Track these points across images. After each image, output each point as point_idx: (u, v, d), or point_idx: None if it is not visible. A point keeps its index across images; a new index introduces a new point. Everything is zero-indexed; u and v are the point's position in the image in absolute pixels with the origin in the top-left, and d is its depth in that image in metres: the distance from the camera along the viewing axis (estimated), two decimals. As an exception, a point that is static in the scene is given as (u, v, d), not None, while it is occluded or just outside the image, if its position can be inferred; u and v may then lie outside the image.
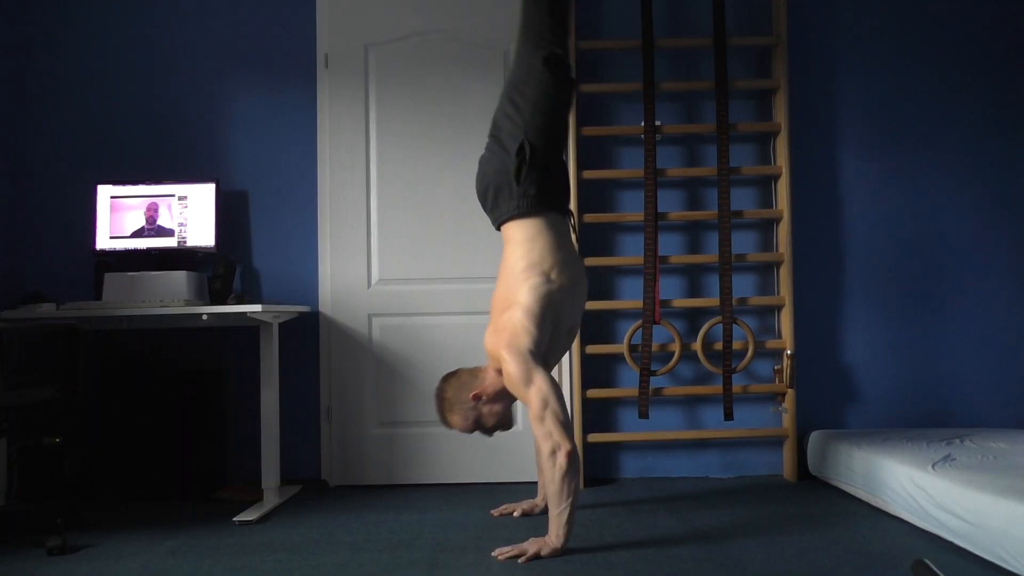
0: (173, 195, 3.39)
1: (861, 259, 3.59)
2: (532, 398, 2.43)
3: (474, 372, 2.69)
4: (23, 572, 2.40)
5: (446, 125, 3.56)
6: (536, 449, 2.60)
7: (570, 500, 2.39)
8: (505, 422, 2.70)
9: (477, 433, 2.73)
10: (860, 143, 3.61)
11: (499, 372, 2.60)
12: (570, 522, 2.42)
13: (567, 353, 3.47)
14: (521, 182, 2.56)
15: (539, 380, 2.44)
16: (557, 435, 2.38)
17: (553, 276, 2.55)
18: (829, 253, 3.59)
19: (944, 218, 3.61)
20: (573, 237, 2.76)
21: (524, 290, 2.53)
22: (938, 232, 3.60)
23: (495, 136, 2.69)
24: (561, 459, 2.36)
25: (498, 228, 2.70)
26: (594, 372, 3.50)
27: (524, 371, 2.44)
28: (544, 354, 2.53)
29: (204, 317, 3.03)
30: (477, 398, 2.63)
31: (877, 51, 3.63)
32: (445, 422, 2.70)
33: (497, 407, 2.65)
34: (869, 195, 3.60)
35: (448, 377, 2.71)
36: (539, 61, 2.61)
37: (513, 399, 2.68)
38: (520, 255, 2.58)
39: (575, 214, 2.93)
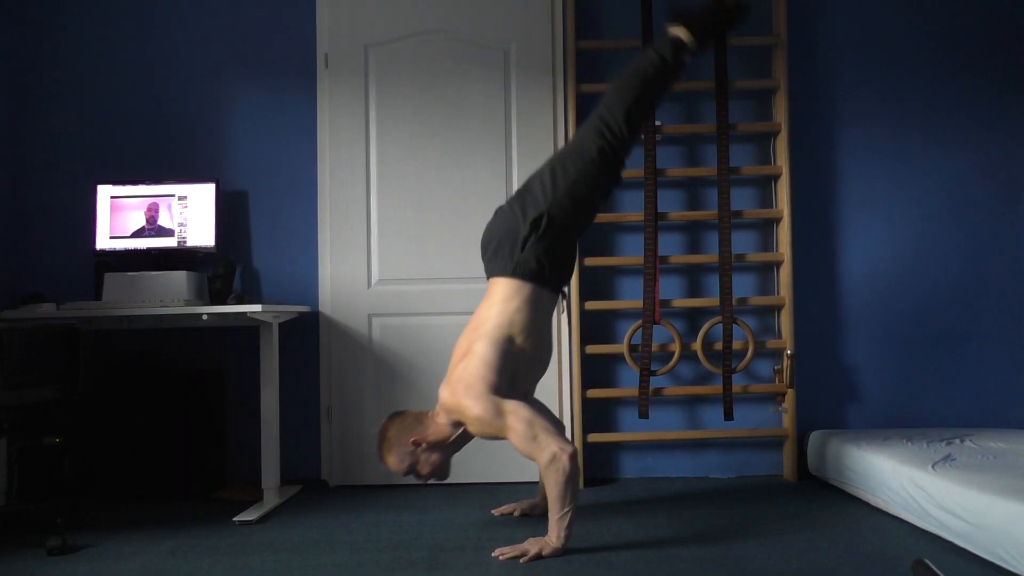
0: (173, 195, 3.39)
1: (861, 258, 3.58)
2: (513, 425, 2.42)
3: (420, 417, 2.66)
4: (23, 572, 2.40)
5: (446, 125, 3.56)
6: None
7: (572, 504, 2.40)
8: (440, 472, 2.68)
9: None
10: (860, 143, 3.61)
11: (452, 423, 2.59)
12: (571, 524, 2.42)
13: (567, 353, 3.48)
14: (524, 250, 2.55)
15: (511, 407, 2.44)
16: (555, 443, 2.38)
17: (518, 340, 2.54)
18: (829, 253, 3.59)
19: (944, 218, 3.61)
20: (565, 317, 2.76)
21: (486, 343, 2.52)
22: (938, 231, 3.60)
23: (521, 196, 2.65)
24: (564, 462, 2.36)
25: (488, 277, 2.68)
26: (594, 372, 3.50)
27: (491, 408, 2.44)
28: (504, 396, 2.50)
29: (204, 317, 3.03)
30: (416, 444, 2.61)
31: (877, 51, 3.63)
32: (381, 460, 2.67)
33: (435, 456, 2.63)
34: (869, 195, 3.60)
35: (394, 416, 2.68)
36: (595, 149, 2.58)
37: (454, 450, 2.68)
38: (495, 313, 2.56)
39: (568, 295, 2.89)
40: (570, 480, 2.37)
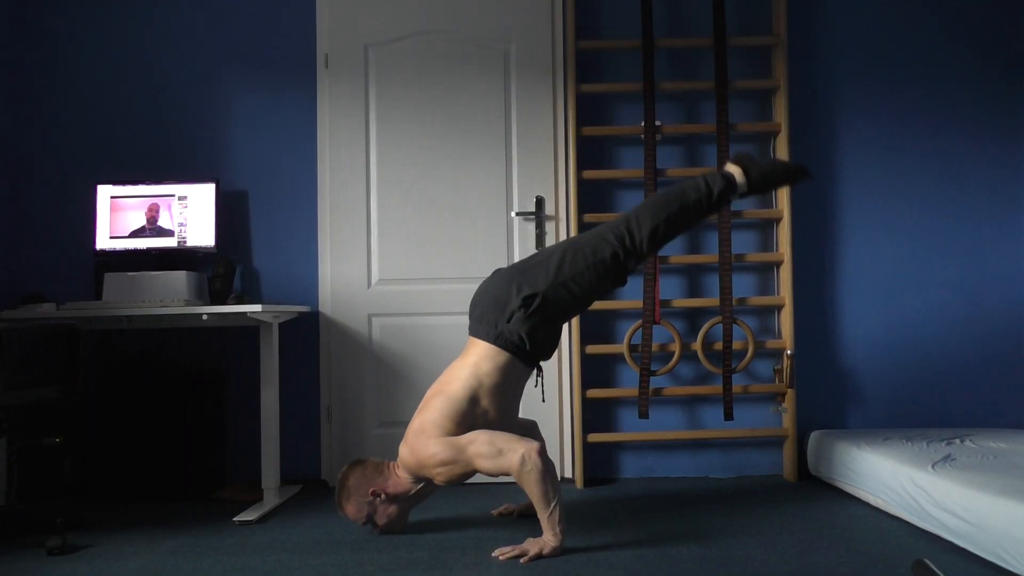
0: (173, 195, 3.39)
1: (861, 258, 3.59)
2: (477, 452, 2.43)
3: (380, 467, 2.67)
4: (23, 572, 2.40)
5: (446, 125, 3.56)
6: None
7: (556, 499, 2.40)
8: (397, 525, 2.68)
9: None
10: (860, 143, 3.61)
11: (413, 478, 2.60)
12: (562, 519, 2.42)
13: (568, 353, 3.48)
14: (510, 322, 2.55)
15: (469, 438, 2.46)
16: (519, 446, 2.40)
17: (484, 404, 2.54)
18: (829, 253, 3.59)
19: (944, 217, 3.61)
20: (537, 386, 2.79)
21: (445, 400, 2.52)
22: (938, 231, 3.60)
23: (525, 270, 2.63)
24: (534, 458, 2.37)
25: (470, 335, 2.67)
26: (594, 372, 3.50)
27: (452, 448, 2.46)
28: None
29: (204, 317, 3.03)
30: (375, 495, 2.62)
31: (877, 51, 3.63)
32: (339, 507, 2.67)
33: (392, 509, 2.64)
34: (869, 194, 3.60)
35: (354, 465, 2.68)
36: (609, 252, 2.57)
37: (413, 503, 2.69)
38: (464, 375, 2.56)
39: (543, 369, 2.91)
40: (545, 475, 2.38)
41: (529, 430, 2.85)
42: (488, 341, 2.57)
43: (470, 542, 2.59)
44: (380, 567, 2.36)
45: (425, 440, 2.50)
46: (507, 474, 2.44)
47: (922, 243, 3.60)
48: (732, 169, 2.65)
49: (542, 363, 2.77)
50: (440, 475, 2.52)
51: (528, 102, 3.56)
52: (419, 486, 2.64)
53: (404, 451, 2.58)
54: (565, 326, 3.42)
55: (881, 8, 3.64)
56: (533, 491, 2.40)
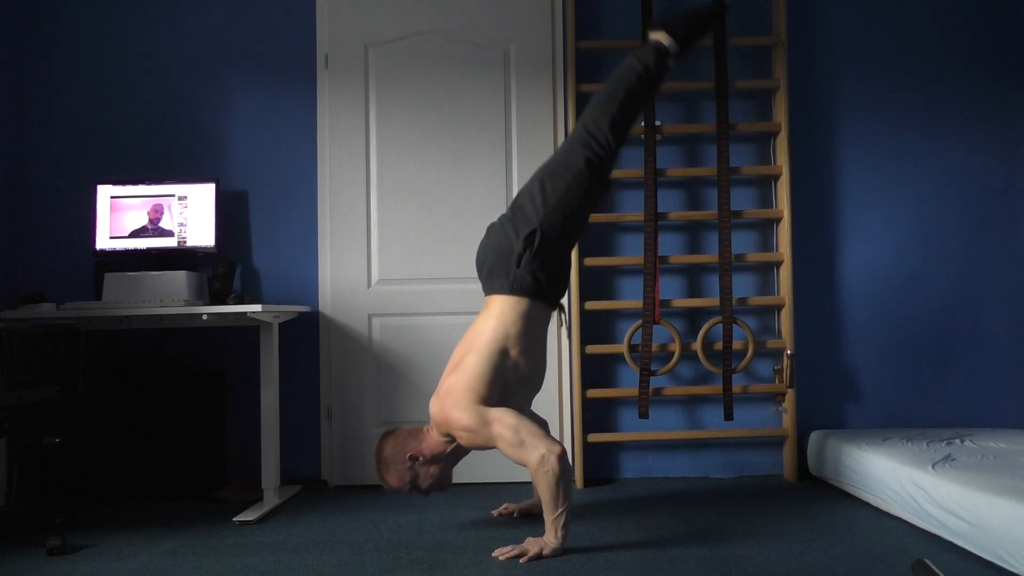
0: (173, 195, 3.39)
1: (861, 258, 3.59)
2: (500, 432, 2.43)
3: (413, 432, 2.68)
4: (23, 572, 2.40)
5: (446, 125, 3.56)
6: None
7: (566, 503, 2.40)
8: (441, 484, 2.69)
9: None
10: (860, 143, 3.61)
11: (445, 436, 2.60)
12: (567, 523, 2.42)
13: (568, 353, 3.48)
14: (520, 267, 2.55)
15: (498, 415, 2.44)
16: (542, 444, 2.39)
17: (513, 355, 2.54)
18: (829, 253, 3.59)
19: (944, 217, 3.61)
20: (567, 333, 2.77)
21: (476, 356, 2.52)
22: (938, 231, 3.60)
23: (513, 213, 2.65)
24: (553, 463, 2.36)
25: (486, 295, 2.68)
26: (594, 372, 3.50)
27: (479, 417, 2.45)
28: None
29: (204, 317, 3.04)
30: (413, 458, 2.62)
31: (877, 51, 3.63)
32: (381, 479, 2.69)
33: (434, 468, 2.64)
34: (869, 195, 3.60)
35: (387, 435, 2.70)
36: (582, 159, 2.59)
37: (452, 462, 2.69)
38: (490, 327, 2.56)
39: (566, 308, 2.91)
40: (560, 480, 2.37)
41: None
42: (505, 293, 2.57)
43: (470, 542, 2.59)
44: (380, 567, 2.36)
45: (454, 402, 2.50)
46: (521, 463, 2.44)
47: (922, 243, 3.60)
48: (657, 36, 2.66)
49: (563, 302, 2.76)
50: (463, 439, 2.53)
51: (528, 102, 3.56)
52: (453, 444, 2.62)
53: (434, 407, 2.58)
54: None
55: (881, 8, 3.64)
56: (544, 493, 2.40)
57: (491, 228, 2.70)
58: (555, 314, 2.76)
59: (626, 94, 2.62)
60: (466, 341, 2.63)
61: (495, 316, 2.57)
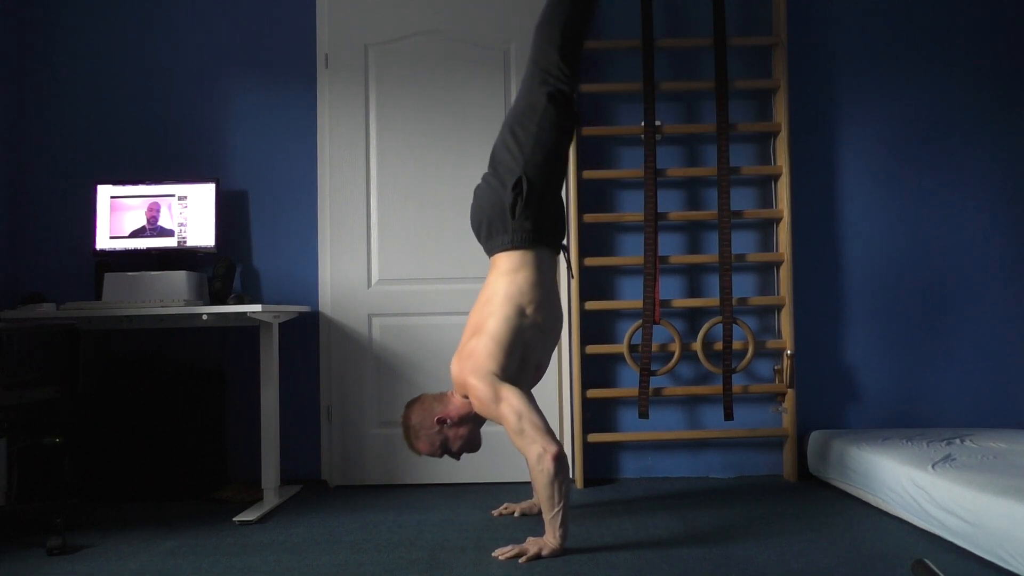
0: (173, 195, 3.39)
1: (861, 258, 3.59)
2: (505, 414, 2.43)
3: (438, 397, 2.70)
4: (23, 572, 2.40)
5: (446, 125, 3.56)
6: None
7: (562, 503, 2.39)
8: (472, 445, 2.70)
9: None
10: (860, 143, 3.61)
11: (465, 397, 2.61)
12: (565, 522, 2.42)
13: (568, 353, 3.48)
14: (516, 217, 2.56)
15: (508, 395, 2.44)
16: (540, 441, 2.39)
17: (529, 311, 2.56)
18: (829, 253, 3.59)
19: (945, 218, 3.61)
20: (567, 273, 2.76)
21: (497, 319, 2.53)
22: (938, 232, 3.60)
23: (493, 168, 2.68)
24: (548, 463, 2.36)
25: (490, 256, 2.70)
26: (594, 372, 3.50)
27: (491, 391, 2.45)
28: (509, 380, 2.52)
29: (204, 317, 3.04)
30: (441, 422, 2.63)
31: (877, 51, 3.63)
32: (412, 448, 2.70)
33: (463, 430, 2.65)
34: (869, 195, 3.60)
35: (412, 403, 2.71)
36: (544, 97, 2.60)
37: (480, 422, 2.69)
38: (502, 285, 2.58)
39: (569, 249, 2.92)
40: (555, 480, 2.37)
41: None
42: (508, 249, 2.59)
43: (470, 542, 2.59)
44: (380, 567, 2.36)
45: (473, 368, 2.50)
46: (520, 452, 2.45)
47: (922, 242, 3.60)
48: None
49: (564, 242, 2.78)
50: (475, 407, 2.55)
51: (528, 102, 3.56)
52: None
53: (455, 368, 2.60)
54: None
55: (881, 8, 3.64)
56: (540, 491, 2.41)
57: (477, 189, 2.72)
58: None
59: (565, 18, 2.61)
60: (481, 302, 2.64)
61: (505, 273, 2.59)
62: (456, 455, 2.70)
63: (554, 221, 2.65)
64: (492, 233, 2.63)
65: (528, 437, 2.40)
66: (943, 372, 3.57)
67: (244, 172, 3.59)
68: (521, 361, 2.55)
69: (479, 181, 2.74)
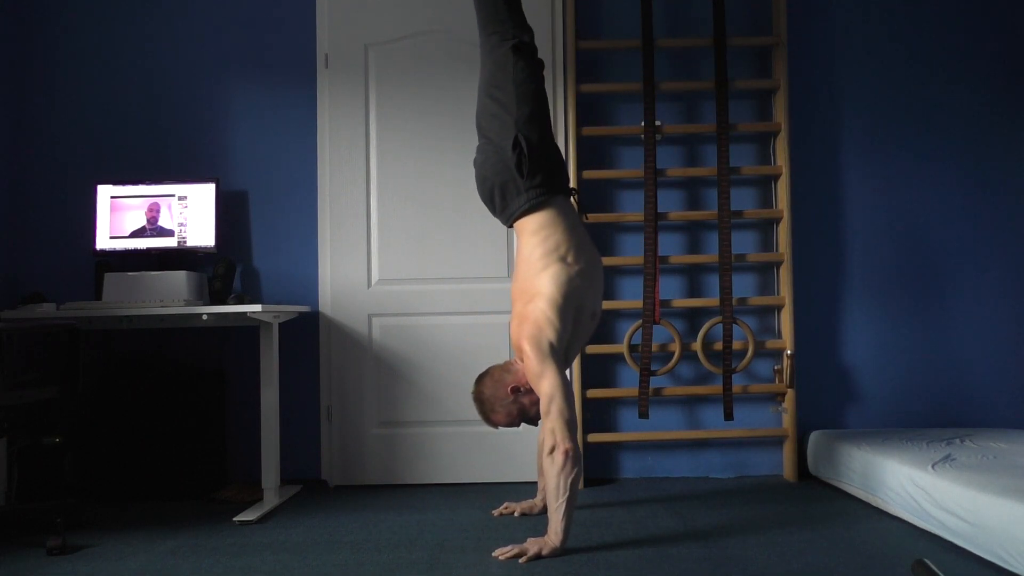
0: (173, 195, 3.39)
1: (861, 259, 3.59)
2: (543, 392, 2.46)
3: (505, 367, 2.70)
4: (23, 572, 2.40)
5: (446, 125, 3.56)
6: (538, 445, 2.60)
7: (566, 496, 2.39)
8: None
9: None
10: (860, 143, 3.61)
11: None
12: (568, 520, 2.42)
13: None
14: (525, 175, 2.58)
15: (550, 375, 2.45)
16: (559, 433, 2.40)
17: (570, 260, 2.58)
18: (829, 253, 3.59)
19: (944, 218, 3.61)
20: (581, 215, 2.77)
21: (545, 279, 2.55)
22: (938, 232, 3.60)
23: (485, 137, 2.70)
24: (559, 457, 2.37)
25: (510, 226, 2.71)
26: (594, 372, 3.50)
27: (539, 365, 2.47)
28: (567, 344, 2.55)
29: (204, 317, 3.04)
30: (515, 391, 2.64)
31: (877, 50, 3.63)
32: (489, 422, 2.70)
33: (536, 395, 2.63)
34: (869, 195, 3.60)
35: (481, 378, 2.71)
36: (509, 51, 2.65)
37: None
38: (536, 243, 2.60)
39: (577, 189, 2.95)
40: (563, 473, 2.38)
41: None
42: (528, 210, 2.61)
43: (470, 542, 2.59)
44: (380, 567, 2.36)
45: (529, 335, 2.50)
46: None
47: (923, 243, 3.60)
48: None
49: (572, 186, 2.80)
50: (524, 370, 2.56)
51: (528, 102, 3.55)
52: None
53: (514, 332, 2.61)
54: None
55: (881, 8, 3.64)
56: (548, 480, 2.43)
57: (476, 163, 2.73)
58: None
59: None
60: (521, 270, 2.65)
61: (534, 233, 2.61)
62: (534, 421, 2.69)
63: (559, 165, 2.70)
64: (507, 198, 2.64)
65: (550, 424, 2.42)
66: (943, 372, 3.57)
67: (244, 172, 3.59)
68: (576, 313, 2.56)
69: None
